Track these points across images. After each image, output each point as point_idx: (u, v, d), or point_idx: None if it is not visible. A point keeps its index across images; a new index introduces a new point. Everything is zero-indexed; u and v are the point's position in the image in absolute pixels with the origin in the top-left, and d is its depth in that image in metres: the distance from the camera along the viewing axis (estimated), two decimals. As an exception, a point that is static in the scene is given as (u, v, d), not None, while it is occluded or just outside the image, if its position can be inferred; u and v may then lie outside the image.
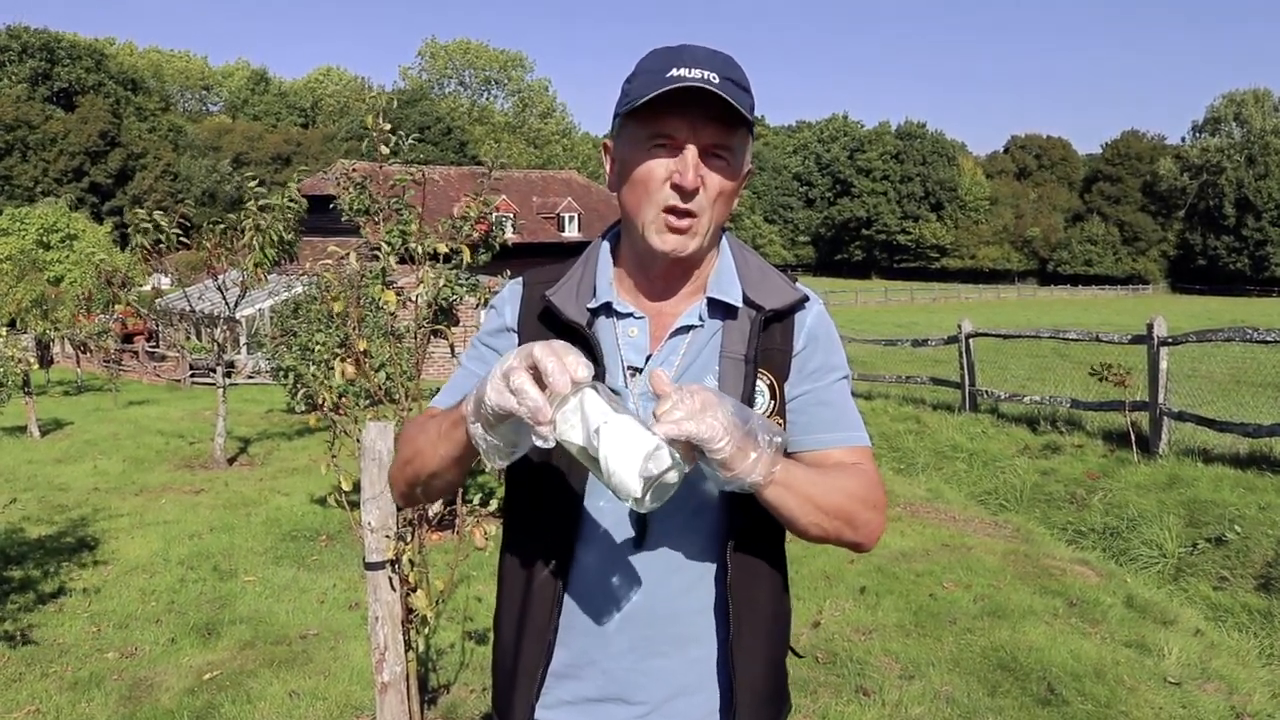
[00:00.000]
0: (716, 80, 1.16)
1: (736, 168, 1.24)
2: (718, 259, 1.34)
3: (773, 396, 1.29)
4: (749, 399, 1.26)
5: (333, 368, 3.11)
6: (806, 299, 1.34)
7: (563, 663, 1.31)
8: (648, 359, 1.29)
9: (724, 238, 1.36)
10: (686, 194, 1.20)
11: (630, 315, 1.31)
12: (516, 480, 1.34)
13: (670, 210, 1.22)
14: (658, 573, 1.27)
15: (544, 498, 1.30)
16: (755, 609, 1.30)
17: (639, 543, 1.26)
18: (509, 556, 1.37)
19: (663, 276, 1.30)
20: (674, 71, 1.17)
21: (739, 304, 1.30)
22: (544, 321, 1.32)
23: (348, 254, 2.94)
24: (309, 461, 9.68)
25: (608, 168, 1.31)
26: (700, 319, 1.30)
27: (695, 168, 1.19)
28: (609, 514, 1.27)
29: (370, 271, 3.17)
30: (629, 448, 1.00)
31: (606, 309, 1.31)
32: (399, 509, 2.78)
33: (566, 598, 1.30)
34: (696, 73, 1.16)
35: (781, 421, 1.30)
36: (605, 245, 1.37)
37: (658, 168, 1.21)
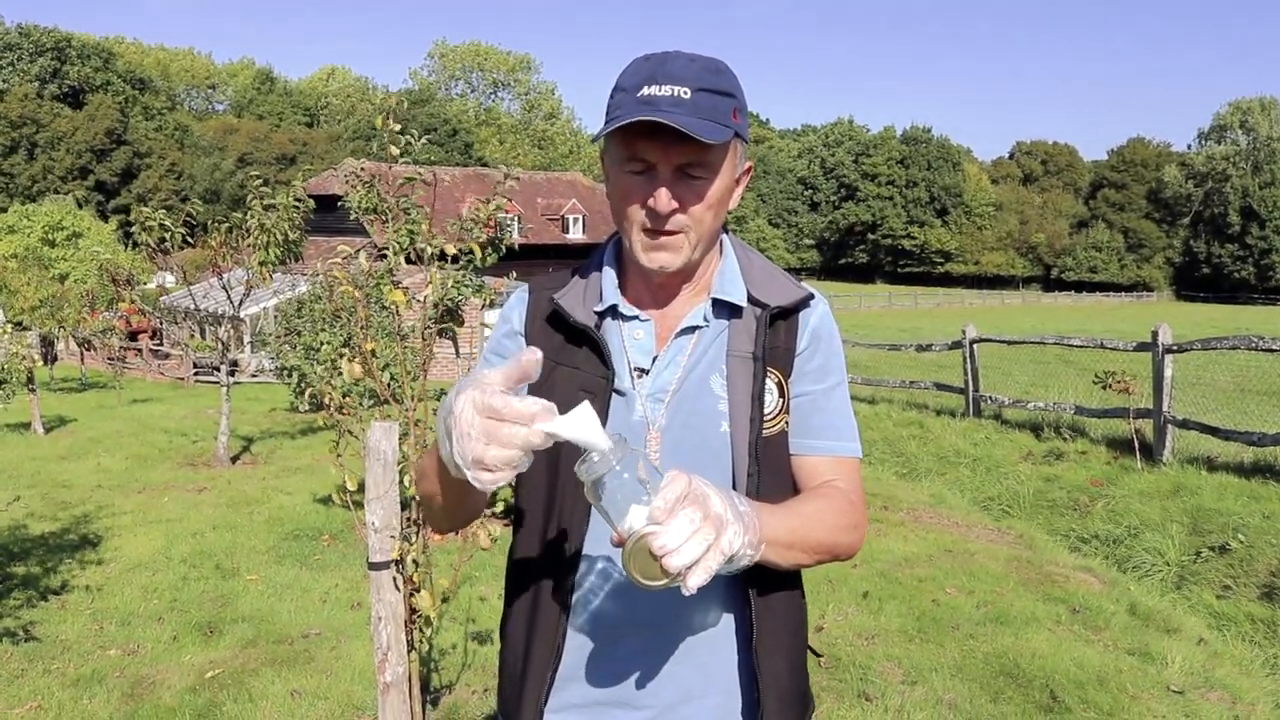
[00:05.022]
0: (688, 96, 1.15)
1: (717, 180, 1.22)
2: (720, 261, 1.34)
3: (781, 394, 1.29)
4: (759, 396, 1.26)
5: (338, 368, 3.11)
6: (812, 297, 1.34)
7: (571, 666, 1.31)
8: (654, 360, 1.30)
9: (727, 239, 1.36)
10: (661, 217, 1.20)
11: (635, 318, 1.31)
12: (526, 484, 1.34)
13: (650, 231, 1.22)
14: None
15: (554, 502, 1.29)
16: (774, 608, 1.30)
17: None
18: (518, 560, 1.37)
19: (663, 284, 1.31)
20: (645, 91, 1.16)
21: (743, 303, 1.30)
22: (552, 324, 1.33)
23: (357, 252, 2.95)
24: (312, 461, 9.68)
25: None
26: (705, 319, 1.30)
27: (667, 192, 1.19)
28: None
29: (378, 271, 3.17)
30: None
31: (613, 311, 1.32)
32: (402, 508, 2.78)
33: (576, 601, 1.30)
34: (668, 90, 1.15)
35: (788, 418, 1.30)
36: (611, 249, 1.38)
37: (634, 191, 1.21)
